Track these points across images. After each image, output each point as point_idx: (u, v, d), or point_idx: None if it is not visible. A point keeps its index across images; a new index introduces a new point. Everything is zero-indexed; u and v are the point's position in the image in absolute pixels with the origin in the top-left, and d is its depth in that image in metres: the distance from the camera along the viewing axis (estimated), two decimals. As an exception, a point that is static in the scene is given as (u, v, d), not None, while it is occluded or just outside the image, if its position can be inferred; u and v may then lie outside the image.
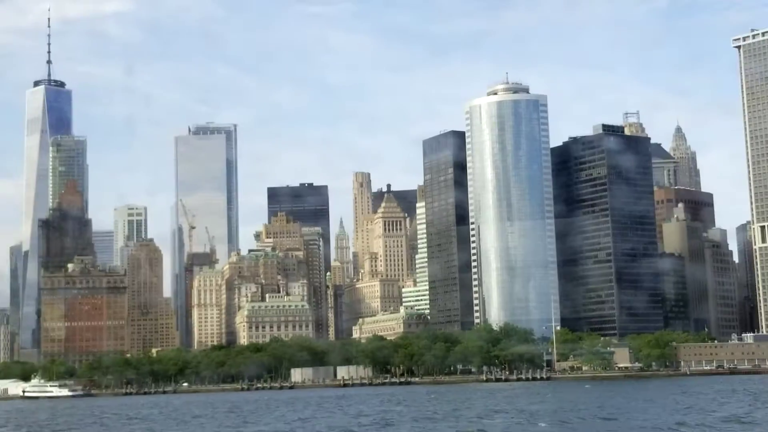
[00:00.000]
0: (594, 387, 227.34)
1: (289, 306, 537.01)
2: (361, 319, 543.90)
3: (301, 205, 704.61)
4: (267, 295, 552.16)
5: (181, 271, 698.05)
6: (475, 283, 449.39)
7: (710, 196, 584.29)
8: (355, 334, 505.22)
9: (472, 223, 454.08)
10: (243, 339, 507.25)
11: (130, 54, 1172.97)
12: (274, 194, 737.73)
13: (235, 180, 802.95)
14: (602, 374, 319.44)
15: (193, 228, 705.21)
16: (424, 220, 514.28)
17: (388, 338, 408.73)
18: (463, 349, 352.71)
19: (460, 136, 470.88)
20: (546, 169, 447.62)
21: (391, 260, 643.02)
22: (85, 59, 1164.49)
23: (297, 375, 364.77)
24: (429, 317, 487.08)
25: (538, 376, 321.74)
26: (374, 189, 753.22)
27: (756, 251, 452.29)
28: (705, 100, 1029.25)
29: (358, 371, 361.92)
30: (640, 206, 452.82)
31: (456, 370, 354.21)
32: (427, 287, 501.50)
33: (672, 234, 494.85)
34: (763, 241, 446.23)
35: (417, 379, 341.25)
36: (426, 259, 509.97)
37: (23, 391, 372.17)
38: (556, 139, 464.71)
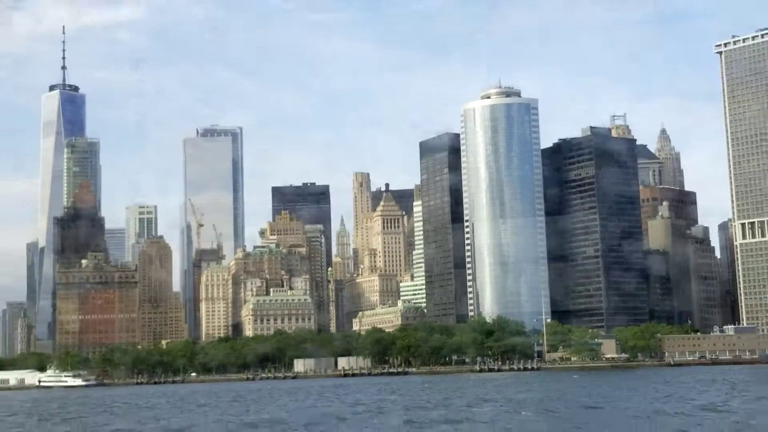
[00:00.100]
0: (582, 377, 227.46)
1: (293, 300, 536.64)
2: (360, 312, 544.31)
3: (303, 203, 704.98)
4: (271, 290, 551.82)
5: (189, 267, 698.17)
6: (469, 277, 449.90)
7: (693, 194, 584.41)
8: (355, 327, 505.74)
9: (467, 221, 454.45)
10: (248, 331, 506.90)
11: (140, 60, 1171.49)
12: (277, 193, 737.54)
13: (241, 180, 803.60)
14: (590, 365, 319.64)
15: (201, 225, 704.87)
16: (421, 218, 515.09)
17: (387, 330, 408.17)
18: (458, 340, 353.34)
19: (455, 138, 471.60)
20: (537, 169, 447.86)
21: (389, 256, 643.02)
22: (97, 65, 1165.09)
23: (300, 365, 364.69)
24: (425, 310, 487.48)
25: (529, 367, 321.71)
26: (373, 188, 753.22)
27: (737, 247, 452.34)
28: (689, 103, 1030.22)
29: (358, 362, 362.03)
30: (626, 205, 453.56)
31: (451, 360, 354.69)
32: (424, 282, 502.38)
33: (657, 231, 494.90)
34: (744, 237, 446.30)
35: (414, 369, 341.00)
36: (423, 255, 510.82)
37: (39, 381, 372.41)
38: (547, 141, 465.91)
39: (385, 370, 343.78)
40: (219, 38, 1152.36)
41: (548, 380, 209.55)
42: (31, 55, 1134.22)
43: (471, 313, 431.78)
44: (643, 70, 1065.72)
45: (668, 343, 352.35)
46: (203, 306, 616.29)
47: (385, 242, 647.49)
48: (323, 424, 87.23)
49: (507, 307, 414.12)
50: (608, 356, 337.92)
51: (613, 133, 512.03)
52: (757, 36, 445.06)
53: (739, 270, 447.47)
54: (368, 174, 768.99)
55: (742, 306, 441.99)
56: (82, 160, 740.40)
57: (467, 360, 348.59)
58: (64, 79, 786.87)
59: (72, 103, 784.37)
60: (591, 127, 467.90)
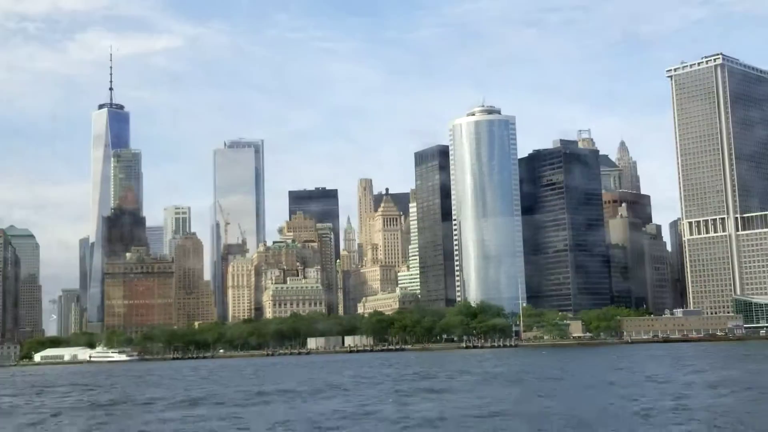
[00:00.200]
0: (551, 353, 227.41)
1: (306, 287, 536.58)
2: (364, 298, 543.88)
3: (315, 205, 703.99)
4: (288, 279, 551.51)
5: (218, 259, 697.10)
6: (456, 268, 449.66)
7: (648, 197, 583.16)
8: (360, 310, 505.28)
9: (455, 219, 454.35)
10: (269, 314, 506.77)
11: (176, 82, 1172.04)
12: (294, 197, 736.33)
13: (262, 185, 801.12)
14: (560, 342, 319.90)
15: (228, 224, 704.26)
16: (416, 217, 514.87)
17: (386, 313, 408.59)
18: (447, 322, 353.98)
19: (444, 149, 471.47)
20: (514, 176, 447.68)
21: (389, 250, 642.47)
22: (140, 87, 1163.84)
23: (312, 343, 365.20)
24: (420, 296, 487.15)
25: (507, 344, 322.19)
26: (375, 192, 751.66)
27: (685, 242, 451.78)
28: (644, 119, 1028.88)
29: (362, 340, 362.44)
30: (591, 206, 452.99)
31: (441, 339, 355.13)
32: (419, 272, 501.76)
33: (617, 228, 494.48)
34: (691, 234, 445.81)
35: (409, 346, 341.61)
36: (417, 249, 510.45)
37: (89, 357, 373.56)
38: (523, 151, 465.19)
39: (384, 347, 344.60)
40: (242, 64, 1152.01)
41: (522, 356, 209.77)
42: (83, 78, 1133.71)
43: (458, 298, 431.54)
44: (605, 91, 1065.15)
45: (627, 324, 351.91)
46: (230, 292, 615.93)
47: (385, 238, 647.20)
48: (326, 392, 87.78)
49: (489, 293, 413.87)
50: (575, 335, 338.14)
51: (580, 145, 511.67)
52: (702, 62, 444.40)
53: (686, 261, 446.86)
54: (371, 180, 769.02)
55: (689, 292, 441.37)
56: (127, 168, 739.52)
57: (455, 338, 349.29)
58: (111, 99, 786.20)
59: (118, 119, 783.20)
60: (561, 140, 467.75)
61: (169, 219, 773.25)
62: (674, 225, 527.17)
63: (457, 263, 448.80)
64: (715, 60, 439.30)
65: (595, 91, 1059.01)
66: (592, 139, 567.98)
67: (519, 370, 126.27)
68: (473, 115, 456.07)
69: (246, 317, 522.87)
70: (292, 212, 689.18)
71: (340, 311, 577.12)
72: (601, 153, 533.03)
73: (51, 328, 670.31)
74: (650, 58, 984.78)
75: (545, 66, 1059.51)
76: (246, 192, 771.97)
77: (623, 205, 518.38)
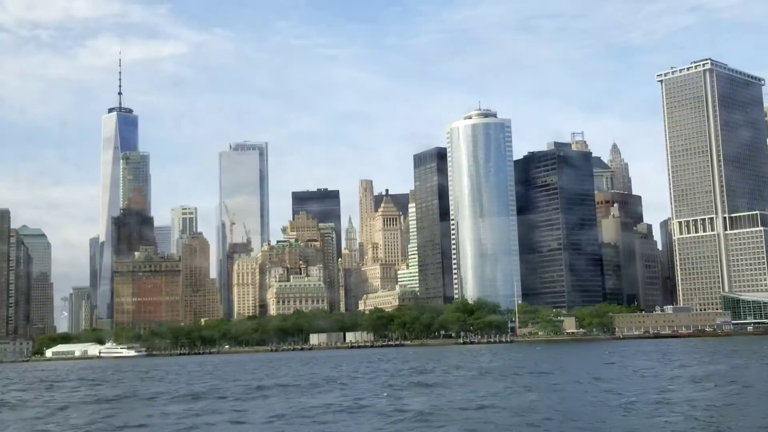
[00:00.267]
0: (545, 348, 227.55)
1: (309, 285, 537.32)
2: (365, 295, 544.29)
3: (318, 205, 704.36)
4: (291, 276, 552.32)
5: (224, 258, 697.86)
6: (454, 266, 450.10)
7: (639, 198, 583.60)
8: (361, 307, 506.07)
9: (452, 219, 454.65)
10: (272, 311, 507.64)
11: (182, 87, 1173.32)
12: (297, 197, 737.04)
13: (266, 186, 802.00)
14: (554, 338, 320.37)
15: (233, 224, 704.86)
16: (415, 217, 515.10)
17: (386, 310, 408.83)
18: (445, 318, 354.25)
19: (442, 151, 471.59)
20: (510, 177, 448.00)
21: (389, 249, 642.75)
22: (148, 91, 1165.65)
23: (314, 339, 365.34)
24: (418, 293, 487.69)
25: (503, 340, 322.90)
26: (376, 193, 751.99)
27: (675, 241, 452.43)
28: (635, 122, 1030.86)
29: (363, 336, 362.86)
30: (584, 206, 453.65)
31: (439, 334, 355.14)
32: (417, 270, 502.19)
33: (609, 227, 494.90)
34: (681, 233, 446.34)
35: (408, 342, 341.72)
36: (416, 248, 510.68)
37: (99, 352, 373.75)
38: (518, 153, 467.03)
39: (384, 343, 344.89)
40: (247, 69, 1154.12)
41: (517, 351, 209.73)
42: (93, 84, 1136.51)
43: (456, 296, 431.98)
44: (598, 95, 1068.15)
45: (618, 320, 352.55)
46: (235, 290, 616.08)
47: (385, 237, 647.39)
48: (322, 387, 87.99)
49: (485, 291, 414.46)
50: (569, 331, 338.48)
51: (573, 147, 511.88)
52: (691, 67, 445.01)
53: (676, 260, 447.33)
54: (371, 181, 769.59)
55: (679, 289, 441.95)
56: (135, 170, 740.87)
57: (452, 334, 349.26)
58: (120, 103, 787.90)
59: (127, 123, 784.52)
60: (555, 142, 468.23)
61: (176, 219, 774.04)
62: (664, 224, 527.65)
63: (454, 262, 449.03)
64: (703, 65, 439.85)
65: (588, 95, 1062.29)
66: (585, 142, 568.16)
67: (512, 365, 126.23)
68: (470, 118, 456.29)
69: (251, 314, 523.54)
70: (295, 212, 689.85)
71: (342, 308, 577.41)
72: (593, 155, 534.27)
73: (62, 325, 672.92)
74: (641, 64, 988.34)
75: (540, 71, 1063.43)
76: (250, 193, 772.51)
77: (615, 205, 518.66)
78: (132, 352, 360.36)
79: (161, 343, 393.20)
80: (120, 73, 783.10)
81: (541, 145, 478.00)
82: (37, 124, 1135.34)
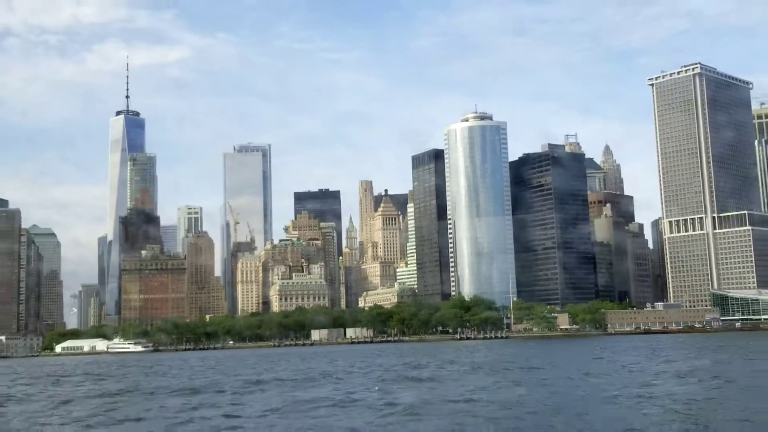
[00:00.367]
0: (538, 344, 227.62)
1: (311, 282, 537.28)
2: (365, 292, 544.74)
3: (319, 205, 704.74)
4: (293, 274, 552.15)
5: (228, 256, 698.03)
6: (451, 264, 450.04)
7: (630, 198, 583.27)
8: (361, 304, 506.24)
9: (449, 219, 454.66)
10: (275, 307, 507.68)
11: (187, 90, 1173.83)
12: (299, 197, 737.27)
13: (270, 186, 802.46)
14: (548, 334, 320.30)
15: (237, 223, 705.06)
16: (413, 217, 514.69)
17: (386, 307, 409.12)
18: (442, 314, 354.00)
19: (440, 153, 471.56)
20: (505, 178, 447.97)
21: (388, 247, 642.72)
22: (154, 94, 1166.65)
23: (316, 335, 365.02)
24: (417, 291, 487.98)
25: (499, 336, 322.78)
26: (375, 193, 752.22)
27: (665, 240, 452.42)
28: (627, 125, 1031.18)
29: (363, 332, 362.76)
30: (577, 206, 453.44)
31: (437, 330, 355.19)
32: (416, 268, 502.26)
33: (602, 228, 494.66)
34: (671, 232, 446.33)
35: (407, 338, 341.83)
36: (415, 247, 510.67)
37: (107, 348, 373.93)
38: (513, 155, 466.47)
39: (384, 339, 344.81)
40: (250, 73, 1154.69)
41: (511, 347, 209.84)
42: (101, 87, 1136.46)
43: (453, 293, 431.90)
44: (591, 98, 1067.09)
45: (610, 317, 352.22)
46: (239, 287, 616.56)
47: (384, 236, 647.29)
48: (318, 380, 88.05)
49: (481, 288, 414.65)
50: (562, 327, 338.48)
51: (567, 149, 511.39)
52: (681, 71, 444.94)
53: (667, 258, 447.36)
54: (371, 181, 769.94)
55: (669, 287, 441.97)
56: (142, 171, 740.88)
57: (450, 330, 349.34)
58: (127, 106, 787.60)
59: (134, 125, 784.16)
60: (549, 144, 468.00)
61: (182, 219, 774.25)
62: (655, 224, 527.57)
63: (451, 260, 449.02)
64: (693, 69, 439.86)
65: (582, 98, 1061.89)
66: (578, 143, 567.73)
67: (506, 360, 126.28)
68: (467, 120, 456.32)
69: (254, 311, 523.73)
70: (297, 212, 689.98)
71: (343, 305, 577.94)
72: (586, 156, 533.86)
73: (71, 321, 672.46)
74: (638, 67, 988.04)
75: (538, 74, 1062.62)
76: (254, 193, 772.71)
77: (607, 205, 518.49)
78: (139, 348, 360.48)
79: (167, 339, 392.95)
80: (127, 76, 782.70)
81: (536, 147, 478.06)
82: (45, 127, 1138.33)
